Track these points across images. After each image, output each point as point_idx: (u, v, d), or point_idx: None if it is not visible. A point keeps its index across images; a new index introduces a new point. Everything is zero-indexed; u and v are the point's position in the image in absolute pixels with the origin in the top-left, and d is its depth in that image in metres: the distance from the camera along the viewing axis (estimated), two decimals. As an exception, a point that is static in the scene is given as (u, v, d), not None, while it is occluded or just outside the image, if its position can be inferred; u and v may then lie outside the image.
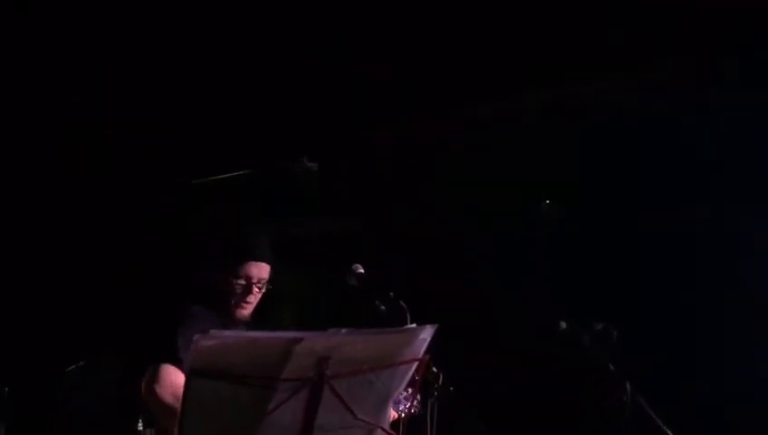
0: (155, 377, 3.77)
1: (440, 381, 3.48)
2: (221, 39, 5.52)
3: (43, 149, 5.91)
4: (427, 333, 3.07)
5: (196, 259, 4.52)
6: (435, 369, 3.44)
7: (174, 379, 3.70)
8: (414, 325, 3.27)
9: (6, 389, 5.34)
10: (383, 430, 3.15)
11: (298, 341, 2.87)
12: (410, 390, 3.47)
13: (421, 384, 3.19)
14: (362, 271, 3.72)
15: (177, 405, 3.07)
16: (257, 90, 5.89)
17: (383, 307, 3.60)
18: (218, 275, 4.07)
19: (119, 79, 5.73)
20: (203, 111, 6.00)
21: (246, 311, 4.08)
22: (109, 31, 5.38)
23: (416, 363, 3.09)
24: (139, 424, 4.63)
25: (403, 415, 3.67)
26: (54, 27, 5.34)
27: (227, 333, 3.03)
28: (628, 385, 3.97)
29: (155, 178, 5.77)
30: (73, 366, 5.59)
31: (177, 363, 3.69)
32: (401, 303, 3.52)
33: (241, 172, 4.75)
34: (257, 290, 4.08)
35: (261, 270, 4.09)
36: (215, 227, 4.96)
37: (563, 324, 4.14)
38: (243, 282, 4.04)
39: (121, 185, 5.98)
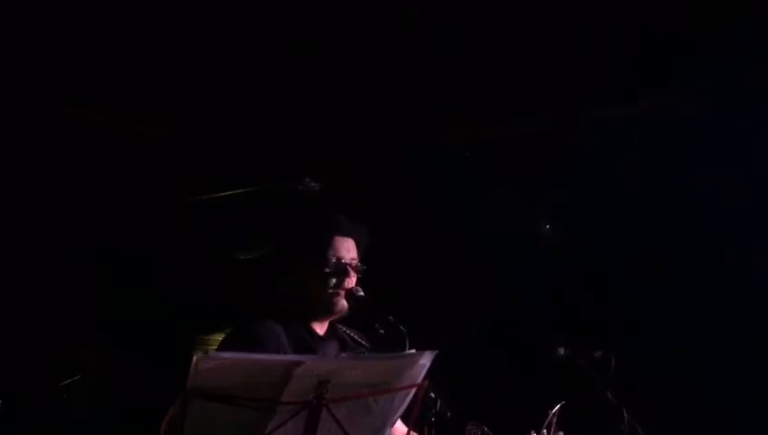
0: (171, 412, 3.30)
1: (437, 407, 3.47)
2: (215, 49, 5.51)
3: (50, 157, 5.90)
4: (426, 359, 3.05)
5: (273, 264, 3.92)
6: (432, 394, 3.43)
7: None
8: (413, 351, 3.26)
9: (0, 402, 5.31)
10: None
11: (298, 364, 2.86)
12: None
13: (420, 410, 3.18)
14: (362, 293, 3.58)
15: None
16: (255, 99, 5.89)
17: (382, 331, 3.58)
18: (305, 271, 3.57)
19: (120, 88, 5.73)
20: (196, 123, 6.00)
21: (346, 301, 3.57)
22: (110, 40, 5.38)
23: (414, 389, 3.10)
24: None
25: None
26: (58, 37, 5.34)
27: (227, 354, 3.02)
28: (625, 412, 3.99)
29: (155, 192, 5.77)
30: (69, 380, 5.56)
31: None
32: (401, 327, 3.46)
33: (242, 190, 4.70)
34: (353, 273, 3.58)
35: (349, 246, 3.61)
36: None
37: (562, 351, 4.15)
38: (333, 261, 3.55)
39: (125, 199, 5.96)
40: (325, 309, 3.62)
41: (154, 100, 5.61)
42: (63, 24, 5.17)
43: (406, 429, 3.32)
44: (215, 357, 2.92)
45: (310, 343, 3.57)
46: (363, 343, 3.72)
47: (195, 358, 2.84)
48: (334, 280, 3.60)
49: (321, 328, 3.68)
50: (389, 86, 5.70)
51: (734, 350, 5.64)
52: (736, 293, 5.63)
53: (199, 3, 4.95)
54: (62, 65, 5.47)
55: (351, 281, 3.62)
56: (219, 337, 4.02)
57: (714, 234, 5.65)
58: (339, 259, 3.61)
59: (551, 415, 3.61)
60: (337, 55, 5.45)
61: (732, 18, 5.00)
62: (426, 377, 3.08)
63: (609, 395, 4.04)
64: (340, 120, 5.97)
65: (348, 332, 3.73)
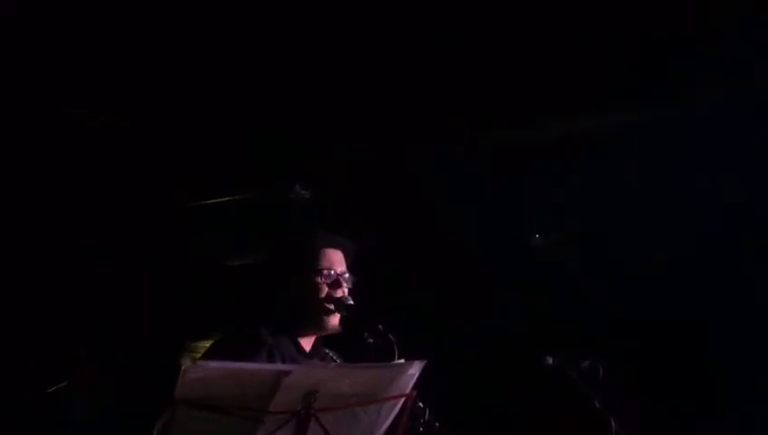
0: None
1: (426, 417, 3.48)
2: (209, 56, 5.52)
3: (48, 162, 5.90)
4: (415, 369, 3.07)
5: (266, 276, 3.84)
6: (421, 404, 3.44)
7: None
8: (402, 360, 3.27)
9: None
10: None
11: (286, 374, 2.88)
12: None
13: (408, 420, 3.19)
14: (352, 302, 3.57)
15: None
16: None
17: (371, 340, 3.57)
18: (296, 282, 3.56)
19: (115, 92, 5.74)
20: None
21: (338, 314, 3.55)
22: (99, 46, 5.39)
23: (403, 399, 3.11)
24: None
25: None
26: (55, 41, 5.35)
27: (215, 364, 3.03)
28: (613, 422, 3.99)
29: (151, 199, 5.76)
30: (54, 387, 5.53)
31: None
32: (390, 336, 3.44)
33: (235, 197, 4.68)
34: (344, 284, 3.57)
35: (338, 258, 3.61)
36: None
37: (550, 360, 4.14)
38: (325, 272, 3.55)
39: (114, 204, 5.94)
40: (316, 324, 3.61)
41: (150, 104, 5.61)
42: (62, 26, 5.18)
43: None
44: (203, 366, 2.94)
45: (296, 357, 3.54)
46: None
47: (183, 367, 2.85)
48: (326, 291, 3.59)
49: (307, 343, 3.66)
50: (388, 90, 5.70)
51: (732, 352, 5.64)
52: (736, 294, 5.64)
53: (193, 8, 4.96)
54: (60, 66, 5.49)
55: (342, 292, 3.60)
56: (208, 344, 4.01)
57: (714, 234, 5.66)
58: (331, 271, 3.61)
59: None
60: (334, 59, 5.45)
61: (732, 19, 5.00)
62: (414, 387, 3.10)
63: (597, 404, 4.03)
64: (337, 123, 5.97)
65: (330, 353, 3.70)
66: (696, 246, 5.71)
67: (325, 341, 3.71)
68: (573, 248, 5.67)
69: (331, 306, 3.56)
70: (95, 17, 5.07)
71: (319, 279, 3.59)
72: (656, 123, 5.78)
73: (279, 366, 3.09)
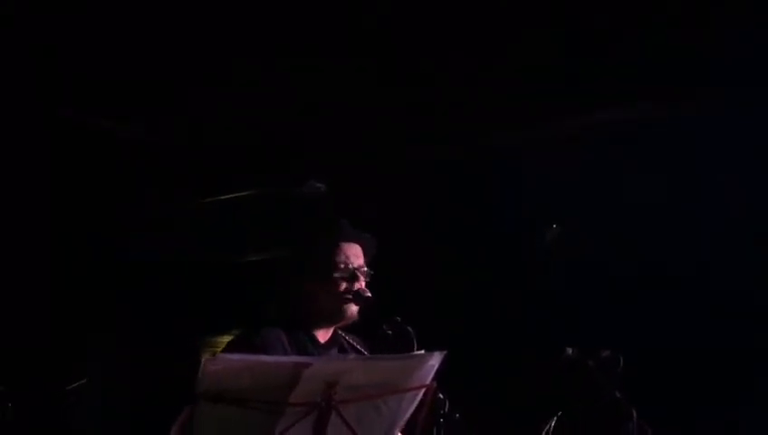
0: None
1: (446, 408, 3.46)
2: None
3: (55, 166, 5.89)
4: (435, 360, 3.04)
5: (280, 269, 3.83)
6: (441, 395, 3.42)
7: None
8: (422, 351, 3.25)
9: (10, 405, 5.25)
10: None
11: (306, 366, 2.85)
12: None
13: (429, 411, 3.16)
14: (369, 295, 3.55)
15: None
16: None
17: (390, 332, 3.55)
18: (313, 277, 3.57)
19: (124, 95, 5.73)
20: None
21: (356, 306, 3.56)
22: (108, 44, 5.38)
23: (423, 390, 3.09)
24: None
25: None
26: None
27: (235, 356, 3.00)
28: (634, 412, 3.98)
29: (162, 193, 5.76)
30: (76, 383, 5.53)
31: None
32: (408, 328, 3.44)
33: (249, 192, 4.68)
34: (362, 278, 3.58)
35: (355, 252, 3.62)
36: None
37: (570, 351, 4.13)
38: (342, 266, 3.55)
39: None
40: (335, 315, 3.60)
41: (160, 104, 5.62)
42: (63, 28, 5.18)
43: None
44: (222, 359, 2.91)
45: (311, 351, 3.54)
46: (363, 351, 3.68)
47: (203, 360, 2.83)
48: (344, 285, 3.57)
49: (324, 335, 3.66)
50: (388, 91, 5.72)
51: (735, 350, 5.65)
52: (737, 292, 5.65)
53: (196, 8, 4.96)
54: (60, 67, 5.48)
55: (359, 285, 3.59)
56: (227, 339, 3.95)
57: (714, 234, 5.67)
58: (347, 264, 3.60)
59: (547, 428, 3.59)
60: (335, 60, 5.46)
61: (732, 20, 5.01)
62: (434, 378, 3.07)
63: (618, 395, 4.03)
64: (338, 124, 5.98)
65: (348, 339, 3.70)
66: (695, 245, 5.72)
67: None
68: (577, 245, 5.69)
69: (350, 297, 3.55)
70: (96, 18, 5.07)
71: (336, 273, 3.58)
72: (656, 123, 5.80)
73: (299, 358, 3.06)
